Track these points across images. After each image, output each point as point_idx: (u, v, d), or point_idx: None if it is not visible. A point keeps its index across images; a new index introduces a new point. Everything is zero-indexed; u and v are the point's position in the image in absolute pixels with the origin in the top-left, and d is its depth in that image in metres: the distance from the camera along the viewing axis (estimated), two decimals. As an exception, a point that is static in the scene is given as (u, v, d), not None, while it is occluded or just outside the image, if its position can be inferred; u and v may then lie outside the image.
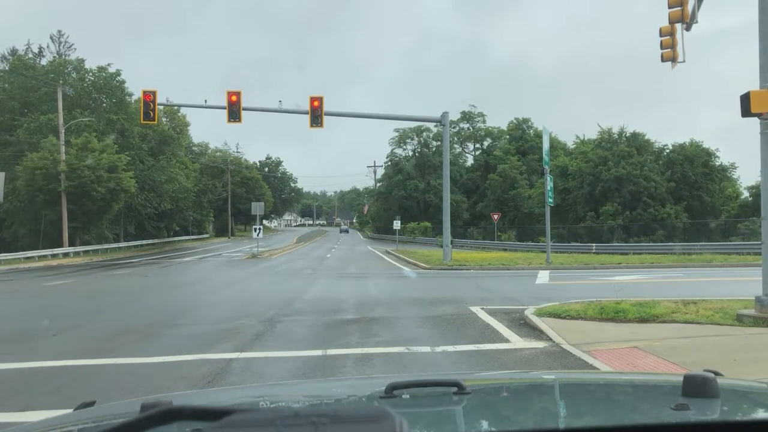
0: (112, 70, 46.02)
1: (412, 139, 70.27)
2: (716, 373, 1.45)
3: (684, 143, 49.98)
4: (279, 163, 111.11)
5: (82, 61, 46.65)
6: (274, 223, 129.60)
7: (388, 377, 2.05)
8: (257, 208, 36.60)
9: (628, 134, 50.52)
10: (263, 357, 7.93)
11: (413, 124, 64.56)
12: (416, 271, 23.93)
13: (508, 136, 68.52)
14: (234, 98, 25.71)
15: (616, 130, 51.23)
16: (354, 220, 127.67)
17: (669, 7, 11.37)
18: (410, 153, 71.28)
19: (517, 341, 8.69)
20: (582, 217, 47.66)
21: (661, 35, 12.19)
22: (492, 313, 11.19)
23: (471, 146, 73.08)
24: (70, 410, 1.81)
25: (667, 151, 50.56)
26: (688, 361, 6.86)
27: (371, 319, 10.90)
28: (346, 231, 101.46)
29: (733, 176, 50.87)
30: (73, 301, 15.29)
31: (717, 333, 8.66)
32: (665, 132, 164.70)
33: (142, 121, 29.99)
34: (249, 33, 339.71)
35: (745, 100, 8.90)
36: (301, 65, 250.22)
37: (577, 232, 44.12)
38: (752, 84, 9.36)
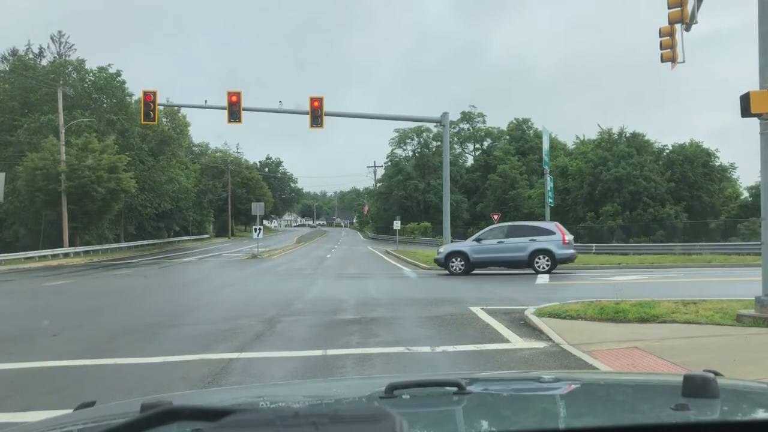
0: (112, 70, 46.12)
1: (412, 140, 70.33)
2: (716, 373, 1.45)
3: (684, 143, 50.07)
4: (279, 163, 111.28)
5: (83, 61, 46.73)
6: (274, 224, 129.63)
7: (388, 377, 2.05)
8: (257, 208, 36.63)
9: (628, 134, 50.56)
10: (263, 357, 7.93)
11: (413, 125, 64.63)
12: (416, 272, 23.93)
13: (508, 137, 68.56)
14: (234, 98, 25.71)
15: (616, 130, 51.33)
16: (354, 221, 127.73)
17: (669, 8, 11.37)
18: (410, 153, 71.37)
19: (517, 341, 8.69)
20: (582, 218, 47.66)
21: (660, 35, 12.20)
22: (492, 313, 11.19)
23: (471, 146, 73.18)
24: (70, 410, 1.81)
25: (667, 151, 50.60)
26: (688, 361, 6.85)
27: (371, 320, 10.90)
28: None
29: (733, 176, 50.98)
30: (74, 301, 15.29)
31: (717, 333, 8.65)
32: (665, 132, 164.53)
33: (142, 122, 30.03)
34: (249, 34, 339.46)
35: (745, 100, 8.90)
36: (301, 66, 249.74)
37: (577, 233, 44.01)
38: (752, 84, 9.36)
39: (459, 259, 20.74)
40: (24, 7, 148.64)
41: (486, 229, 23.06)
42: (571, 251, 20.86)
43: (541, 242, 20.36)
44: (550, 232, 20.69)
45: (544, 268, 20.03)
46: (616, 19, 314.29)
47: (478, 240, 21.25)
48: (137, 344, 8.96)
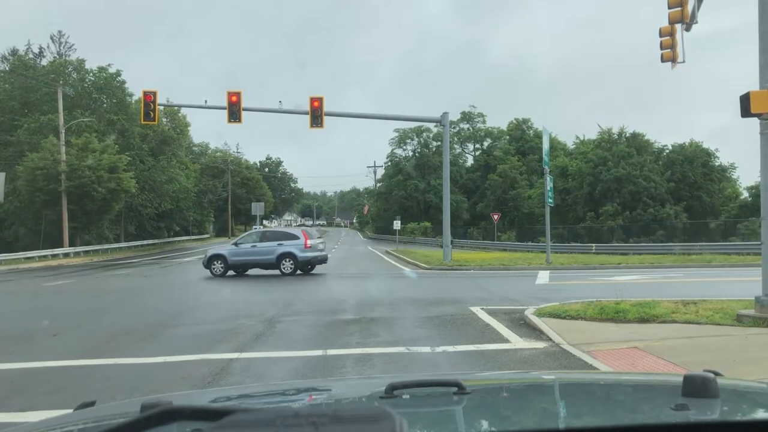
0: (112, 70, 46.08)
1: (412, 140, 70.23)
2: (716, 373, 1.45)
3: (684, 143, 50.04)
4: (279, 163, 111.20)
5: (83, 61, 46.70)
6: (274, 224, 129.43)
7: (388, 377, 2.05)
8: (257, 208, 36.72)
9: (627, 134, 50.53)
10: (263, 357, 7.93)
11: (413, 125, 64.53)
12: (416, 272, 23.93)
13: (508, 137, 68.50)
14: (234, 99, 25.71)
15: (615, 130, 51.27)
16: (354, 220, 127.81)
17: (669, 8, 11.37)
18: (410, 153, 71.25)
19: (517, 341, 8.69)
20: (582, 218, 47.64)
21: (660, 35, 12.19)
22: (492, 313, 11.19)
23: (471, 146, 73.06)
24: (70, 410, 1.81)
25: (667, 151, 50.58)
26: (688, 361, 6.86)
27: (371, 320, 10.90)
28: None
29: (733, 176, 50.92)
30: (74, 301, 15.29)
31: (717, 333, 8.66)
32: (665, 132, 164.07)
33: (142, 122, 30.03)
34: (249, 34, 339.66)
35: (745, 100, 8.90)
36: (301, 66, 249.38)
37: (577, 233, 44.11)
38: (752, 84, 9.37)
39: (219, 262, 21.76)
40: (24, 7, 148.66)
41: (244, 234, 24.86)
42: (314, 254, 21.92)
43: (287, 246, 21.63)
44: (296, 237, 22.04)
45: (288, 269, 21.39)
46: (616, 20, 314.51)
47: (236, 244, 22.38)
48: (137, 344, 8.97)
